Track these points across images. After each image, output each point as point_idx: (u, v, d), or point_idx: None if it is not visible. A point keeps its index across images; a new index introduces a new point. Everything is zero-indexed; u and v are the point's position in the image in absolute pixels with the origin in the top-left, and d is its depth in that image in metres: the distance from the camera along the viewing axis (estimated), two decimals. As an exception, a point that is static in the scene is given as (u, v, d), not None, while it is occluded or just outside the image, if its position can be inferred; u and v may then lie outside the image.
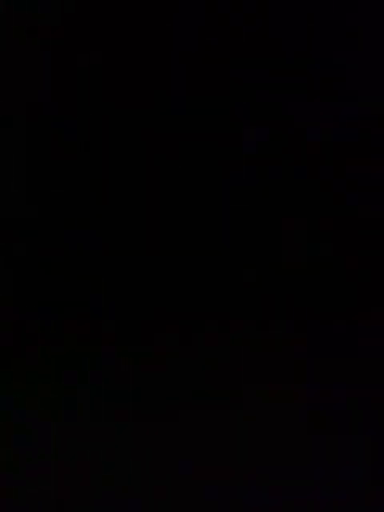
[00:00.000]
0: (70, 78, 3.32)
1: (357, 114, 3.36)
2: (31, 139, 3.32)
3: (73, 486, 2.71)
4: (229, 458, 2.83)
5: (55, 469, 2.76)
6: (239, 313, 3.32)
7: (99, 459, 2.83)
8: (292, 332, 3.28)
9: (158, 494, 2.68)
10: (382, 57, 3.37)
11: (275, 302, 3.33)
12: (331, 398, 3.05)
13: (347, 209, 3.35)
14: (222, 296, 3.34)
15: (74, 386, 3.11)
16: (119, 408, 3.02)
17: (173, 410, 3.02)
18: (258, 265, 3.35)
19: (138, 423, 2.96)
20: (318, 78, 3.36)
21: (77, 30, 3.31)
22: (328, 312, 3.31)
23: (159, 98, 3.35)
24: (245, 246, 3.35)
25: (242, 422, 2.96)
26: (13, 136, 3.32)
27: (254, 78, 3.35)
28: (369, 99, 3.36)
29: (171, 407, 3.03)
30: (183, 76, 3.34)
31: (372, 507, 2.59)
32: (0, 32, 3.30)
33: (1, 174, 3.32)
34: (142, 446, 2.88)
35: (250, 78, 3.35)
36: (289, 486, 2.70)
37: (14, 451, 2.85)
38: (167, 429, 2.93)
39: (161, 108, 3.35)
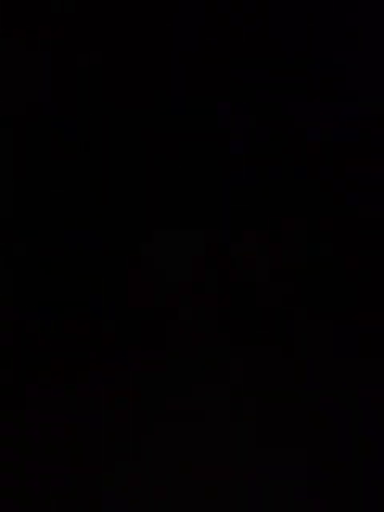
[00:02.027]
0: (70, 78, 3.32)
1: (357, 113, 3.36)
2: (31, 139, 3.32)
3: (72, 484, 2.72)
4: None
5: (55, 466, 2.76)
6: (239, 310, 3.32)
7: (100, 457, 2.83)
8: (292, 331, 3.28)
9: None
10: (382, 57, 3.37)
11: (274, 302, 3.33)
12: (334, 399, 3.06)
13: (347, 209, 3.35)
14: (220, 296, 3.34)
15: (74, 385, 3.11)
16: (119, 407, 3.02)
17: (174, 408, 3.02)
18: (257, 264, 3.36)
19: (138, 422, 2.96)
20: (318, 78, 3.36)
21: (77, 30, 3.31)
22: (328, 311, 3.32)
23: (159, 97, 3.35)
24: (244, 245, 3.35)
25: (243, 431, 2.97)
26: (13, 136, 3.32)
27: (254, 78, 3.35)
28: (369, 99, 3.36)
29: (172, 406, 3.03)
30: (183, 76, 3.34)
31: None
32: (0, 32, 3.30)
33: (1, 175, 3.32)
34: (143, 446, 2.88)
35: (250, 77, 3.35)
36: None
37: (15, 450, 2.86)
38: (169, 429, 2.94)
39: (161, 108, 3.35)
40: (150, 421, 2.99)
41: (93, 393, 3.09)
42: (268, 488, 2.69)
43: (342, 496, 2.66)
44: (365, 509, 2.62)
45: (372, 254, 3.33)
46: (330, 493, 2.67)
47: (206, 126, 3.35)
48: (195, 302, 3.33)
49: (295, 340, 3.27)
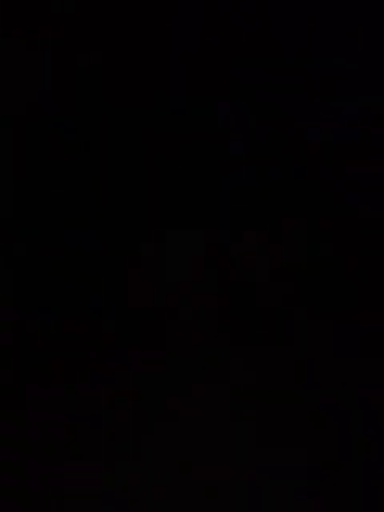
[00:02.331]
0: (70, 78, 3.33)
1: (357, 113, 3.36)
2: (31, 139, 3.32)
3: (72, 484, 2.72)
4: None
5: (55, 466, 2.77)
6: (240, 310, 3.32)
7: (100, 457, 2.84)
8: (291, 331, 3.28)
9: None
10: (382, 57, 3.37)
11: (274, 302, 3.33)
12: (336, 399, 3.06)
13: (347, 209, 3.35)
14: (220, 296, 3.35)
15: (74, 385, 3.11)
16: (119, 407, 3.02)
17: (174, 408, 3.03)
18: (257, 265, 3.36)
19: (138, 422, 2.97)
20: (318, 78, 3.36)
21: (77, 30, 3.31)
22: (328, 311, 3.32)
23: (159, 97, 3.35)
24: (244, 245, 3.36)
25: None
26: (13, 136, 3.32)
27: (254, 78, 3.35)
28: (369, 99, 3.36)
29: (172, 406, 3.04)
30: (183, 76, 3.34)
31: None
32: (0, 32, 3.30)
33: (1, 175, 3.32)
34: (143, 446, 2.88)
35: (250, 77, 3.35)
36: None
37: (15, 450, 2.86)
38: (169, 429, 2.94)
39: (161, 108, 3.35)
40: (150, 421, 2.99)
41: (93, 393, 3.09)
42: (268, 488, 2.69)
43: (342, 496, 2.66)
44: (365, 509, 2.62)
45: (372, 253, 3.33)
46: (330, 493, 2.67)
47: (206, 125, 3.35)
48: (195, 301, 3.33)
49: (295, 340, 3.27)
